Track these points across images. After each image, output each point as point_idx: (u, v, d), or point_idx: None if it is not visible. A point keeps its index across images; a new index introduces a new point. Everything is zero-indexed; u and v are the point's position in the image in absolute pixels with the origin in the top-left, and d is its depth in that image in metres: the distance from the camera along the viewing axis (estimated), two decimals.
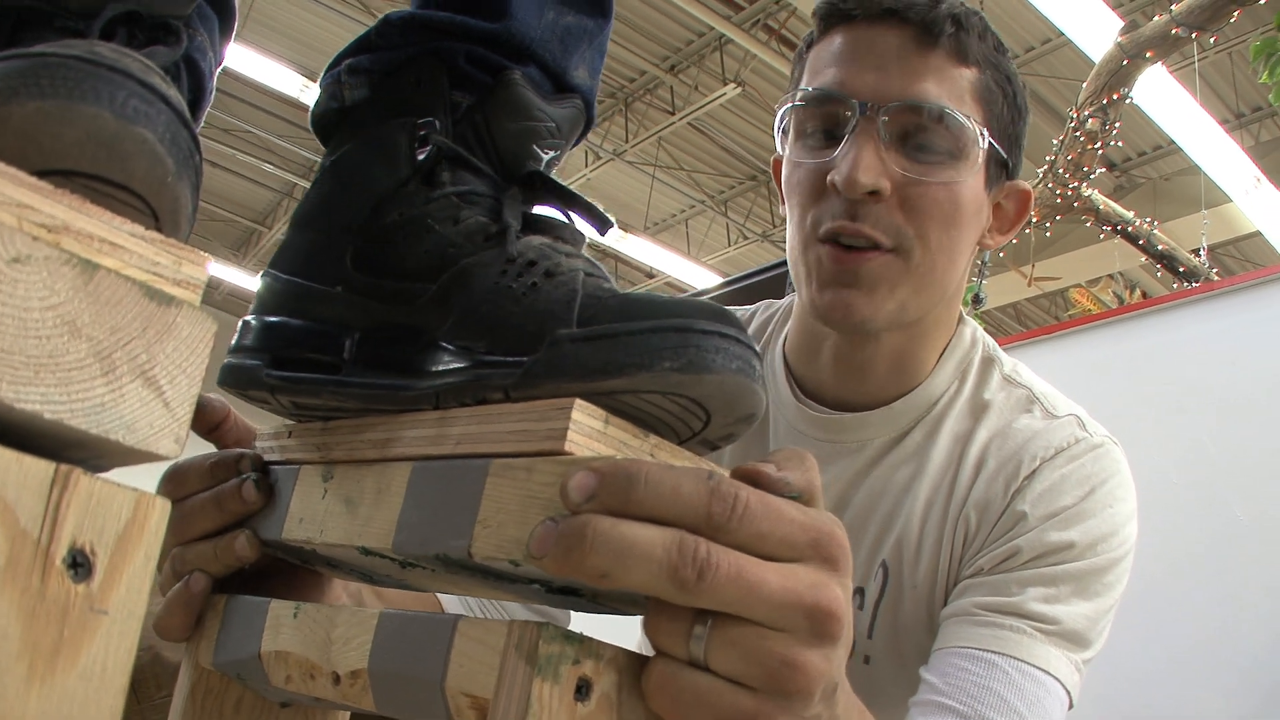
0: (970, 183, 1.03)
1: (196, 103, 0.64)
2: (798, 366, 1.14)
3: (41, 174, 0.42)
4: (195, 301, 0.43)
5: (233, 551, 0.72)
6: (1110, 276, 9.99)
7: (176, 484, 0.75)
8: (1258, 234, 9.37)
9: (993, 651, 0.93)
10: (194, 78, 0.63)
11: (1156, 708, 2.24)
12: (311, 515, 0.69)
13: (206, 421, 0.79)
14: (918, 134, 1.01)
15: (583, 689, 0.51)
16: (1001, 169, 1.09)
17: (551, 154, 0.73)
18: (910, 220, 1.01)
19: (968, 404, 1.09)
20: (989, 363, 1.12)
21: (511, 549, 0.54)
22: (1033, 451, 1.02)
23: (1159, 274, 8.51)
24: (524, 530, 0.53)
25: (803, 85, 1.07)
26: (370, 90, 0.72)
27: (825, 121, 1.04)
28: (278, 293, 0.71)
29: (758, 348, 0.59)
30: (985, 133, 1.03)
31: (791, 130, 1.08)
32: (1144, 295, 9.07)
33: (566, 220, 0.70)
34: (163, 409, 0.41)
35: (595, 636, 0.53)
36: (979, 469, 1.04)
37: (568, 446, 0.55)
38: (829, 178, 1.01)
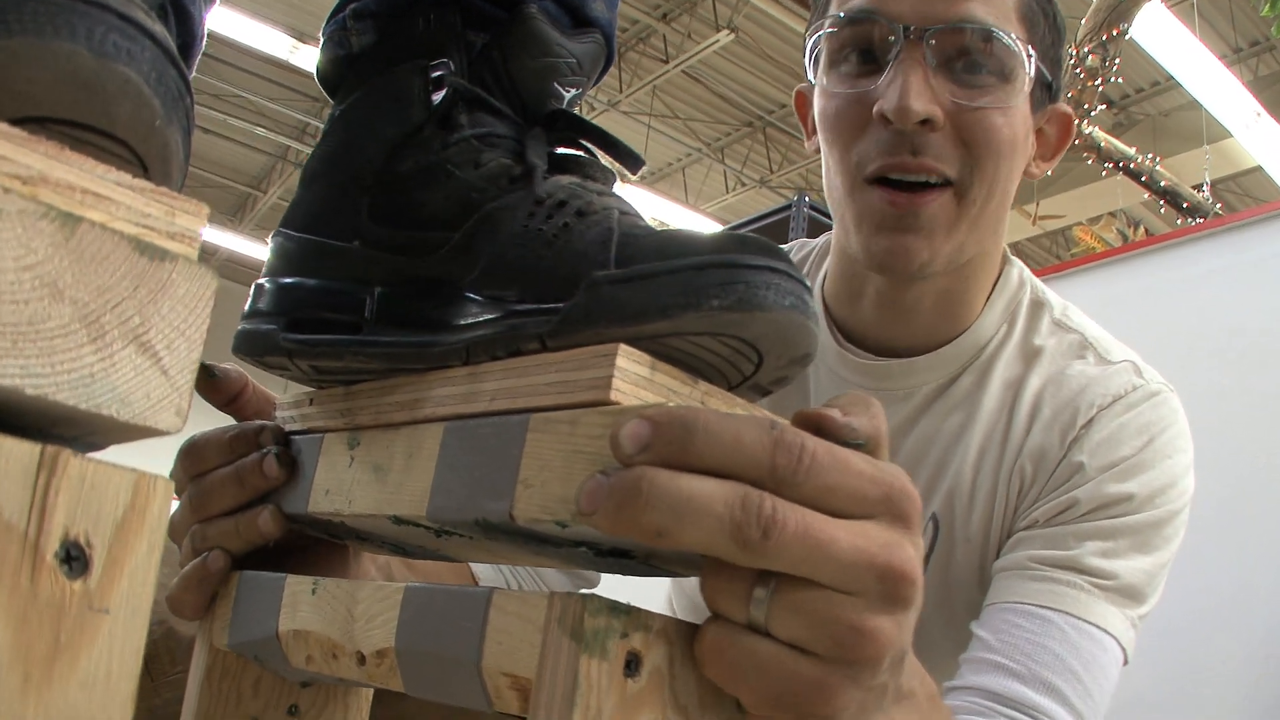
0: (1020, 108, 0.98)
1: (186, 49, 0.59)
2: (838, 309, 1.09)
3: (14, 123, 0.37)
4: (192, 256, 0.38)
5: (256, 528, 0.68)
6: (1113, 214, 9.90)
7: (194, 460, 0.70)
8: (1258, 169, 9.28)
9: (1048, 608, 0.89)
10: (183, 22, 0.57)
11: (1185, 655, 2.20)
12: (338, 486, 0.64)
13: (225, 393, 0.75)
14: (965, 57, 0.95)
15: (632, 664, 0.47)
16: (1045, 92, 1.03)
17: (573, 92, 0.68)
18: (968, 151, 0.95)
19: (1018, 349, 1.04)
20: (1038, 305, 1.07)
21: (557, 509, 0.49)
22: (1089, 399, 0.98)
23: (1162, 210, 8.43)
24: (570, 488, 0.49)
25: (833, 10, 1.01)
26: (378, 35, 0.67)
27: (864, 48, 0.98)
28: (290, 252, 0.66)
29: (810, 283, 0.54)
30: (1033, 54, 0.97)
31: (824, 59, 1.02)
32: (1147, 233, 9.00)
33: (593, 159, 0.65)
34: (160, 377, 0.36)
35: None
36: (1033, 417, 0.99)
37: (613, 395, 0.50)
38: (875, 108, 0.95)
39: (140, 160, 0.40)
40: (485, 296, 0.59)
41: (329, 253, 0.64)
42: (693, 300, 0.51)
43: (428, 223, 0.62)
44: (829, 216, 1.08)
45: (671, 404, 0.47)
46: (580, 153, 0.66)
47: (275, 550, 0.72)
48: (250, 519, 0.68)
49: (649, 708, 0.47)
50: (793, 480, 0.44)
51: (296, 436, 0.70)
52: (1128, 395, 0.98)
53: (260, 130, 11.87)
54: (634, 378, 0.51)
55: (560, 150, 0.65)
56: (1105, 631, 0.89)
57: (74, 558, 0.33)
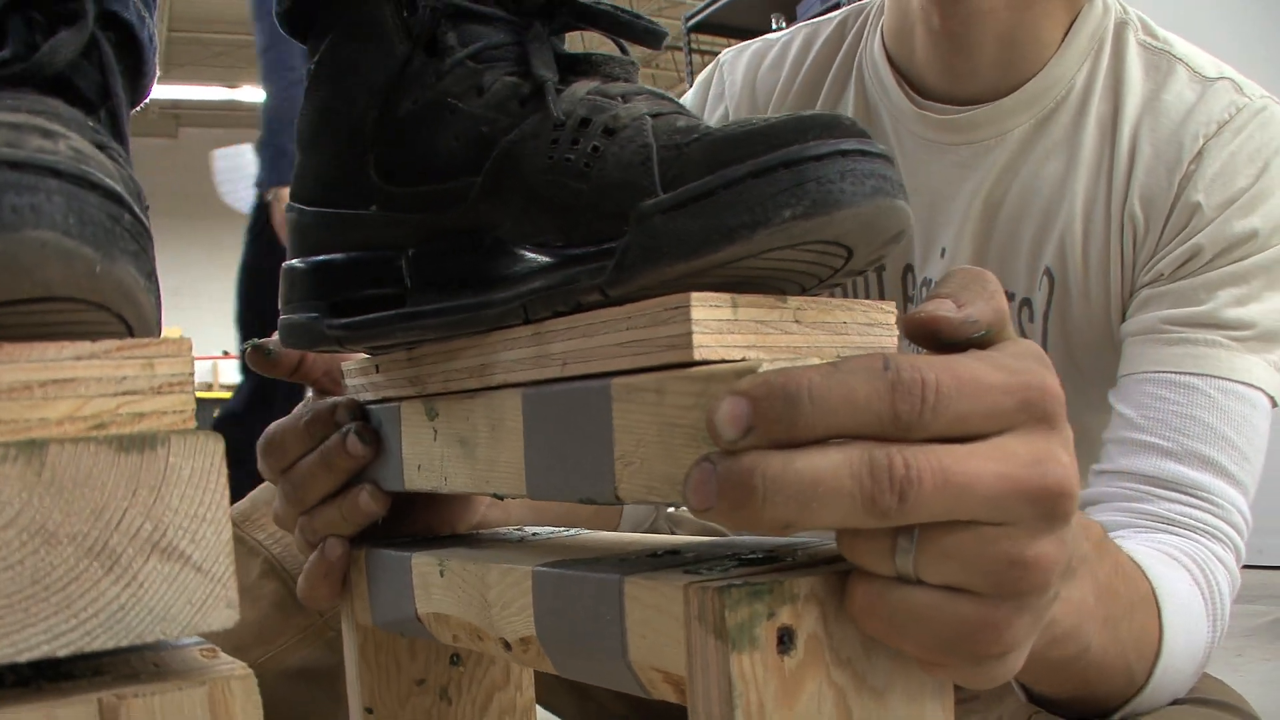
0: None
1: (136, 68, 0.51)
2: (903, 61, 0.98)
3: None
4: (187, 407, 0.32)
5: (359, 509, 0.65)
6: None
7: (277, 454, 0.67)
8: None
9: (1190, 373, 0.83)
10: (121, 36, 0.50)
11: None
12: (429, 461, 0.60)
13: (285, 365, 0.70)
14: None
15: (786, 639, 0.42)
16: None
17: None
18: None
19: (1109, 81, 0.93)
20: (1122, 27, 0.95)
21: (665, 490, 0.45)
22: (1193, 130, 0.88)
23: None
24: (672, 466, 0.44)
25: None
26: None
27: None
28: (308, 229, 0.60)
29: (885, 150, 0.47)
30: None
31: None
32: None
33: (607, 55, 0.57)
34: (197, 576, 0.31)
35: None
36: (1134, 156, 0.90)
37: (697, 354, 0.44)
38: None
39: (100, 305, 0.34)
40: (528, 243, 0.52)
41: (348, 223, 0.58)
42: (761, 216, 0.44)
43: (444, 170, 0.55)
44: None
45: (765, 367, 0.41)
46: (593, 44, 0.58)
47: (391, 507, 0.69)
48: (352, 502, 0.65)
49: (811, 675, 0.42)
50: (920, 424, 0.38)
51: (372, 406, 0.66)
52: (1233, 119, 0.88)
53: None
54: (716, 325, 0.45)
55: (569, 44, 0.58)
56: (1251, 386, 0.83)
57: None
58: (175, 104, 14.39)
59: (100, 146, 0.41)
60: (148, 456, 0.30)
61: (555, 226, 0.51)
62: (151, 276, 0.36)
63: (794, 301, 0.48)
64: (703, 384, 0.43)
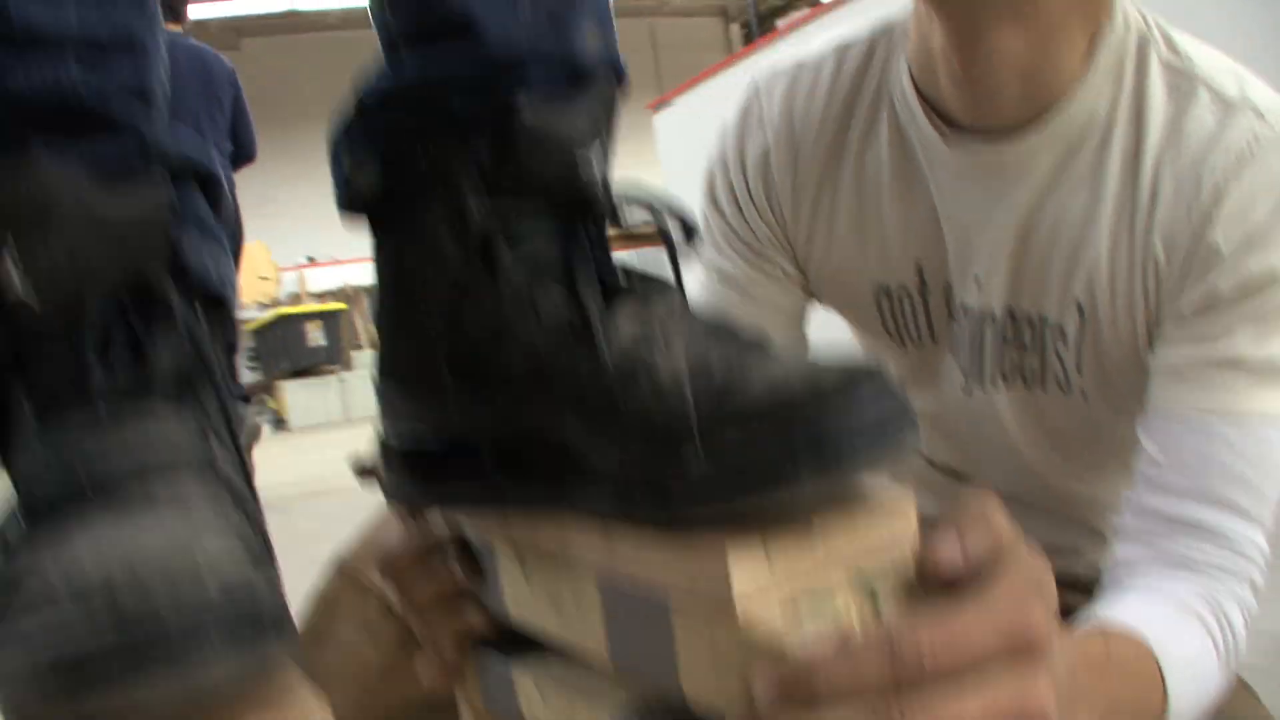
0: None
1: (224, 317, 0.62)
2: (929, 90, 0.99)
3: None
4: None
5: (471, 627, 0.75)
6: None
7: (392, 574, 0.76)
8: None
9: (1208, 412, 0.86)
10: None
11: None
12: (526, 603, 0.69)
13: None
14: None
15: None
16: None
17: (596, 143, 0.65)
18: None
19: (1131, 110, 0.92)
20: (1145, 45, 0.93)
21: (721, 705, 0.54)
22: (1211, 164, 0.87)
23: None
24: (724, 685, 0.53)
25: None
26: (382, 179, 0.65)
27: None
28: (397, 404, 0.69)
29: (898, 391, 0.54)
30: None
31: None
32: None
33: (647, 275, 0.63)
34: None
35: None
36: (1155, 191, 0.90)
37: (741, 620, 0.52)
38: None
39: None
40: (593, 457, 0.60)
41: (431, 405, 0.66)
42: (786, 477, 0.52)
43: (510, 381, 0.62)
44: None
45: (787, 640, 0.50)
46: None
47: None
48: (461, 619, 0.75)
49: None
50: (918, 684, 0.48)
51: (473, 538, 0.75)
52: (1252, 151, 0.87)
53: None
54: (754, 578, 0.51)
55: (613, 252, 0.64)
56: (1269, 418, 0.86)
57: None
58: (236, 19, 14.40)
59: (213, 464, 0.52)
60: None
61: (612, 449, 0.58)
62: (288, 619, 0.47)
63: (818, 526, 0.55)
64: (744, 635, 0.51)
